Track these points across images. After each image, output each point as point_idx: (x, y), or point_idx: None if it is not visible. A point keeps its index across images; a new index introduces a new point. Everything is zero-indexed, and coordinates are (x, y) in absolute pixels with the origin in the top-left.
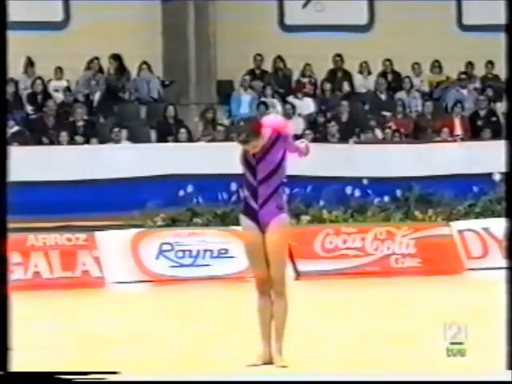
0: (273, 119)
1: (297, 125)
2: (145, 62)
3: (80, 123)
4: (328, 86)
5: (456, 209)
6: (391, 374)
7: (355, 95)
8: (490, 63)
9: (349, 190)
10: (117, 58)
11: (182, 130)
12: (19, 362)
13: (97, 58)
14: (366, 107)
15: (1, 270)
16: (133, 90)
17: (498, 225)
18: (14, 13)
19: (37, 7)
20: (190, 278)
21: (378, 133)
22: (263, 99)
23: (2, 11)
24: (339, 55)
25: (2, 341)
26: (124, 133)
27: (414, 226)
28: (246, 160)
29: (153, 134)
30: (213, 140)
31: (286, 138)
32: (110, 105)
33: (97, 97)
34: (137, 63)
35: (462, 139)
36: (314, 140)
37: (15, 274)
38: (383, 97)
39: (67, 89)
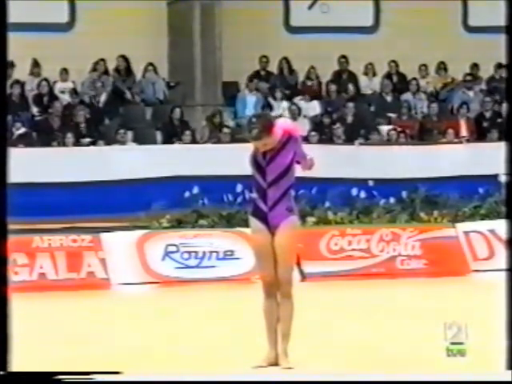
0: (284, 122)
1: (302, 126)
2: (150, 64)
3: (85, 125)
4: (333, 87)
5: (461, 210)
6: (392, 373)
7: (360, 97)
8: (496, 65)
9: (354, 191)
10: (124, 58)
11: (187, 132)
12: (20, 362)
13: (102, 60)
14: (372, 109)
15: (1, 271)
16: (138, 92)
17: (504, 226)
18: (20, 15)
19: (42, 9)
20: (195, 280)
21: (384, 133)
22: (269, 100)
23: (2, 12)
24: (344, 57)
25: (2, 341)
26: (130, 134)
27: (420, 227)
28: (256, 162)
29: (158, 136)
30: (218, 141)
31: (296, 141)
32: (115, 106)
33: (102, 98)
34: (142, 65)
35: (468, 141)
36: (320, 141)
37: (21, 275)
38: (389, 98)
39: (73, 90)
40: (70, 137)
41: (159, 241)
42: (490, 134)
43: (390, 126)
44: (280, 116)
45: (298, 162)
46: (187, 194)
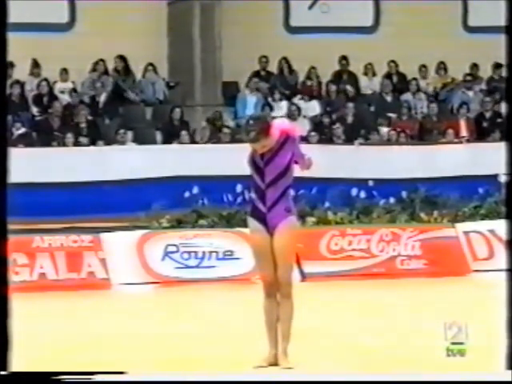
0: (281, 122)
1: (302, 126)
2: (150, 64)
3: (85, 125)
4: (333, 87)
5: (461, 210)
6: (392, 374)
7: (360, 97)
8: (496, 65)
9: (354, 191)
10: (122, 59)
11: (183, 133)
12: (21, 362)
13: (102, 60)
14: (372, 109)
15: (1, 271)
16: (138, 92)
17: (504, 226)
18: (20, 14)
19: (42, 9)
20: (195, 280)
21: (384, 134)
22: (269, 101)
23: (2, 12)
24: (345, 57)
25: (2, 341)
26: (129, 134)
27: (420, 227)
28: (254, 162)
29: (158, 136)
30: (218, 141)
31: (294, 141)
32: (115, 106)
33: (102, 98)
34: (142, 65)
35: (468, 141)
36: (320, 141)
37: (21, 275)
38: (388, 98)
39: (73, 90)
40: (69, 137)
41: (159, 241)
42: (494, 134)
43: (390, 128)
44: (280, 116)
45: (297, 162)
46: (187, 194)
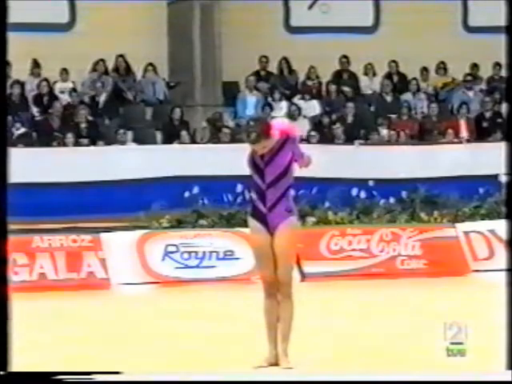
0: (281, 122)
1: (302, 126)
2: (150, 64)
3: (85, 125)
4: (333, 87)
5: (462, 210)
6: (392, 373)
7: (360, 97)
8: (497, 65)
9: (354, 191)
10: (123, 58)
11: (184, 133)
12: (20, 362)
13: (102, 60)
14: (372, 109)
15: (1, 271)
16: (138, 92)
17: (504, 226)
18: (20, 14)
19: (42, 9)
20: (195, 280)
21: (384, 134)
22: (269, 101)
23: (2, 12)
24: (346, 56)
25: (2, 341)
26: (130, 134)
27: (420, 227)
28: (254, 163)
29: (158, 136)
30: (218, 142)
31: (293, 141)
32: (115, 106)
33: (102, 98)
34: (142, 65)
35: (468, 141)
36: (320, 141)
37: (20, 275)
38: (389, 98)
39: (73, 90)
40: (70, 137)
41: (159, 241)
42: (494, 134)
43: (390, 128)
44: (280, 116)
45: (296, 161)
46: (187, 194)
